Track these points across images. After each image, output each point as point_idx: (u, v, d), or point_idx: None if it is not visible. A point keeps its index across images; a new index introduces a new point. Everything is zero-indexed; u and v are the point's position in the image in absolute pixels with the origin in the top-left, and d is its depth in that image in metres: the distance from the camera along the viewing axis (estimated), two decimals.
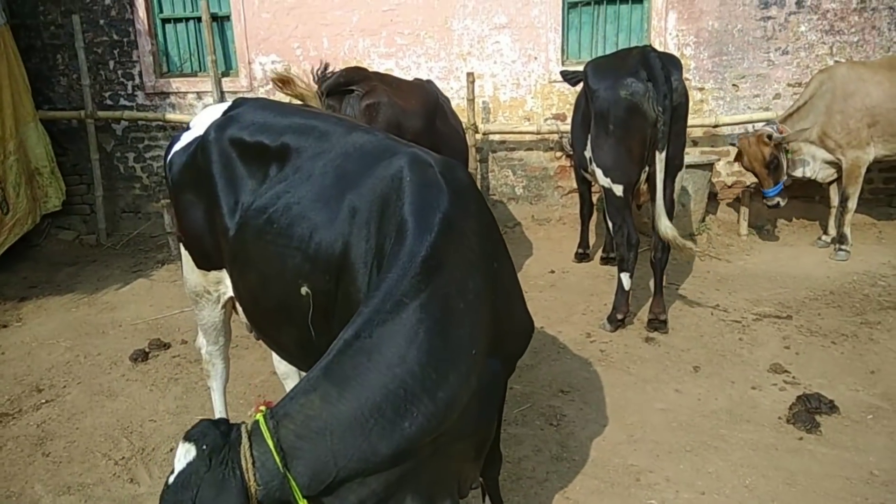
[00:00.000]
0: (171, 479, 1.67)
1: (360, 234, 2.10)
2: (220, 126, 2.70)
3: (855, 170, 6.12)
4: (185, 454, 1.68)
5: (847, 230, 6.22)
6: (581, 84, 4.89)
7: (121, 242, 7.57)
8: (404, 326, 1.77)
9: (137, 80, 7.46)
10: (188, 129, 2.89)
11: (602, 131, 4.42)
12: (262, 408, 1.75)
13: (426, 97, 4.73)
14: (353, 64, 7.12)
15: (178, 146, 2.87)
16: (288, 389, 3.53)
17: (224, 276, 2.89)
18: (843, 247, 6.21)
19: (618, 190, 4.47)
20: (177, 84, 7.43)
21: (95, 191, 7.52)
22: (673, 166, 4.38)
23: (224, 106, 2.87)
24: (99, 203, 7.51)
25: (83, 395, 4.27)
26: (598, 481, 3.28)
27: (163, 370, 4.55)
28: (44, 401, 4.22)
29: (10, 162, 6.58)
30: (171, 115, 7.40)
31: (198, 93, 7.43)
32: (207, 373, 3.43)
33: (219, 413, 3.45)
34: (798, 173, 6.39)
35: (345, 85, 4.33)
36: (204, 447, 1.66)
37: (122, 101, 7.56)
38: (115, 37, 7.35)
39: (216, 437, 1.69)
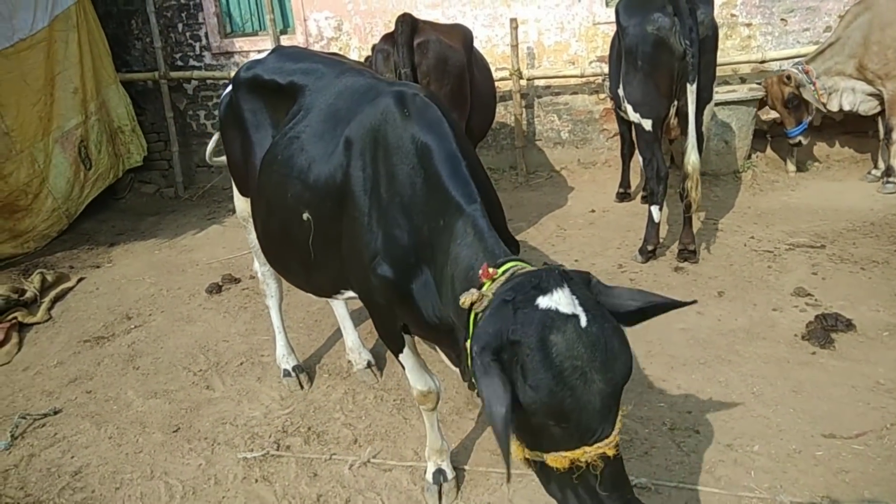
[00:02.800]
0: (589, 319, 1.63)
1: (356, 164, 2.39)
2: (246, 69, 3.16)
3: None
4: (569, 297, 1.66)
5: (895, 162, 6.15)
6: None
7: (196, 194, 8.23)
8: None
9: (204, 41, 7.99)
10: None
11: (631, 67, 4.59)
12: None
13: (465, 37, 5.02)
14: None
15: (225, 92, 3.36)
16: (336, 310, 3.99)
17: None
18: (891, 179, 6.16)
19: (647, 124, 4.65)
20: (240, 43, 7.92)
21: (172, 147, 8.16)
22: (701, 99, 4.50)
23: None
24: (176, 158, 8.16)
25: (166, 321, 4.88)
26: None
27: (234, 300, 5.12)
28: (133, 326, 4.86)
29: (91, 122, 7.25)
30: None
31: (259, 51, 7.85)
32: (263, 292, 3.93)
33: (277, 327, 3.95)
34: (834, 106, 6.33)
35: (411, 33, 4.64)
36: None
37: (192, 62, 8.11)
38: (182, 0, 7.86)
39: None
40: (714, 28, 4.47)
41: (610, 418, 1.65)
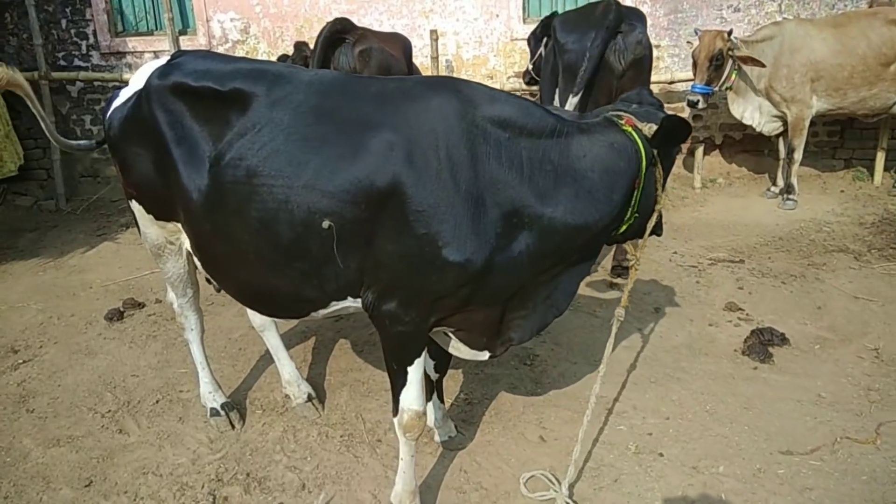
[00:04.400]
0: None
1: (414, 164, 2.30)
2: (161, 73, 2.72)
3: (799, 123, 6.42)
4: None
5: (794, 181, 6.55)
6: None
7: (81, 207, 7.45)
8: None
9: (92, 40, 7.27)
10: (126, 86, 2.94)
11: (569, 85, 4.56)
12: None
13: (405, 45, 4.85)
14: (314, 21, 7.11)
15: (116, 103, 2.90)
16: (267, 341, 3.64)
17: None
18: (790, 196, 6.55)
19: None
20: (133, 43, 7.28)
21: (52, 155, 7.36)
22: None
23: (161, 61, 2.89)
24: (56, 167, 7.36)
25: (61, 354, 4.29)
26: (571, 412, 3.50)
27: (140, 328, 4.59)
28: (21, 361, 4.23)
29: None
30: (128, 76, 7.16)
31: (155, 52, 7.29)
32: (182, 326, 3.49)
33: (199, 363, 3.53)
34: (736, 113, 6.63)
35: (339, 33, 4.39)
36: None
37: (77, 62, 7.36)
38: None
39: None
40: (649, 48, 4.53)
41: None
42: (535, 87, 6.28)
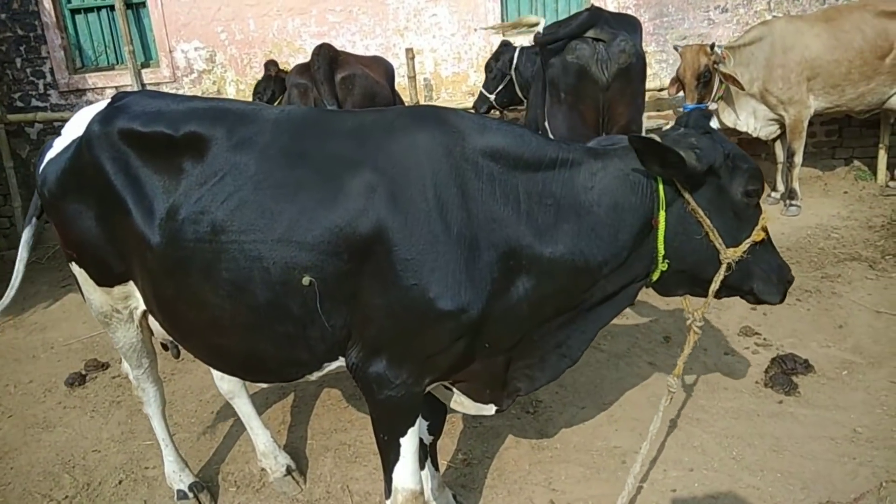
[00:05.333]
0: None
1: (399, 206, 2.04)
2: (105, 119, 2.38)
3: (798, 124, 6.12)
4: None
5: (796, 185, 6.25)
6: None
7: (46, 255, 7.02)
8: None
9: (49, 78, 6.89)
10: (59, 136, 2.56)
11: (555, 100, 4.25)
12: None
13: (387, 70, 4.57)
14: (283, 46, 6.77)
15: (51, 154, 2.53)
16: (238, 409, 3.25)
17: (132, 289, 2.57)
18: (793, 202, 6.24)
19: None
20: (93, 79, 6.90)
21: (13, 202, 6.95)
22: (630, 132, 4.22)
23: (98, 106, 2.52)
24: (18, 215, 6.95)
25: (15, 430, 3.87)
26: (584, 468, 3.13)
27: (102, 393, 4.18)
28: None
29: None
30: None
31: (116, 87, 6.91)
32: (139, 399, 3.09)
33: (162, 439, 3.13)
34: (728, 122, 6.34)
35: (330, 64, 4.06)
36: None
37: (35, 102, 6.98)
38: (21, 31, 6.75)
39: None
40: (639, 56, 4.21)
41: None
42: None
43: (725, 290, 2.30)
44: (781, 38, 5.94)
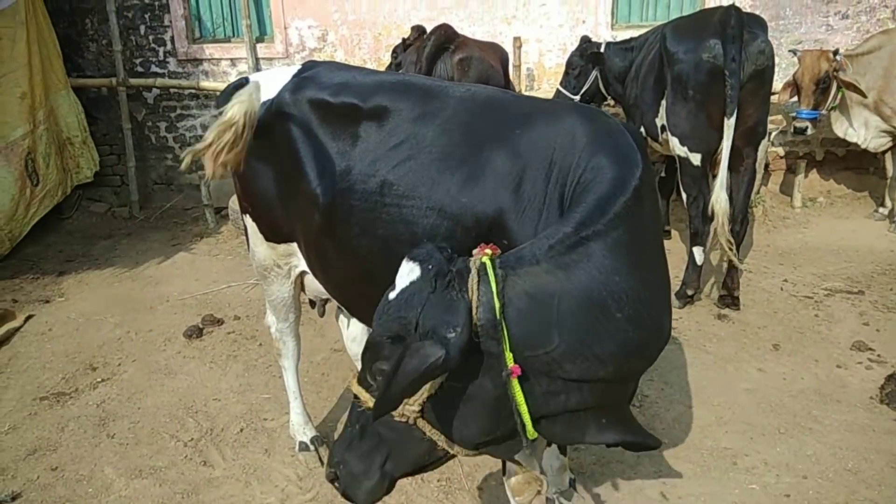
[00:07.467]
0: (393, 296, 1.73)
1: (523, 192, 2.04)
2: (295, 88, 2.55)
3: None
4: (408, 273, 1.72)
5: None
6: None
7: (154, 215, 7.38)
8: (618, 244, 1.78)
9: (169, 46, 7.21)
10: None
11: (680, 97, 4.21)
12: (488, 251, 1.75)
13: (502, 56, 4.63)
14: (392, 28, 6.90)
15: (248, 112, 2.67)
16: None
17: (294, 248, 2.74)
18: None
19: (695, 159, 4.26)
20: (210, 50, 7.18)
21: (127, 162, 7.32)
22: (756, 134, 4.19)
23: (288, 70, 2.69)
24: (131, 174, 7.32)
25: (140, 374, 4.14)
26: (693, 465, 3.15)
27: (220, 347, 4.41)
28: (100, 379, 4.09)
29: (39, 132, 6.37)
30: (205, 83, 7.16)
31: (231, 59, 7.19)
32: (279, 351, 3.28)
33: (292, 394, 3.32)
34: (840, 132, 6.12)
35: (445, 43, 4.18)
36: (430, 268, 1.69)
37: (154, 68, 7.32)
38: (147, 0, 7.08)
39: (441, 262, 1.72)
40: (771, 58, 4.14)
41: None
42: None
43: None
44: None
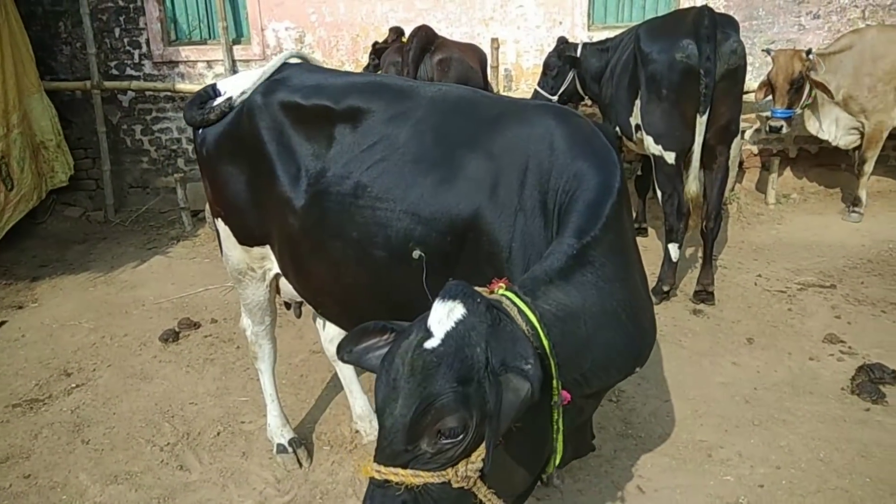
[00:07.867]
0: (436, 343, 1.46)
1: (498, 192, 2.04)
2: (267, 90, 2.54)
3: (877, 134, 6.02)
4: (448, 313, 1.48)
5: (862, 193, 6.18)
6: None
7: (129, 219, 7.29)
8: (612, 248, 1.82)
9: (144, 49, 7.14)
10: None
11: (654, 96, 4.25)
12: (502, 284, 1.70)
13: (481, 58, 4.66)
14: (370, 30, 6.90)
15: (217, 119, 2.65)
16: (340, 371, 3.40)
17: (269, 252, 2.74)
18: (856, 208, 6.20)
19: (669, 157, 4.31)
20: (186, 52, 7.12)
21: (102, 165, 7.24)
22: (729, 132, 4.25)
23: (257, 72, 2.67)
24: (106, 178, 7.24)
25: (116, 378, 4.10)
26: (669, 458, 3.18)
27: (196, 350, 4.38)
28: (74, 385, 4.05)
29: (13, 136, 6.28)
30: (181, 85, 7.09)
31: (208, 62, 7.14)
32: (255, 354, 3.26)
33: (269, 397, 3.30)
34: (812, 129, 6.23)
35: (426, 45, 4.20)
36: (478, 301, 1.51)
37: (129, 71, 7.24)
38: (121, 3, 7.00)
39: (484, 295, 1.58)
40: (743, 57, 4.20)
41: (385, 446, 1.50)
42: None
43: None
44: (872, 46, 5.83)
